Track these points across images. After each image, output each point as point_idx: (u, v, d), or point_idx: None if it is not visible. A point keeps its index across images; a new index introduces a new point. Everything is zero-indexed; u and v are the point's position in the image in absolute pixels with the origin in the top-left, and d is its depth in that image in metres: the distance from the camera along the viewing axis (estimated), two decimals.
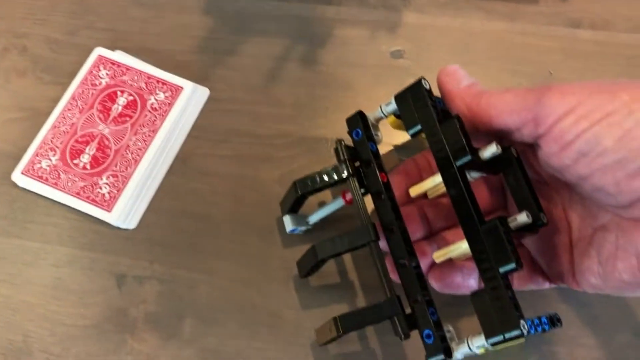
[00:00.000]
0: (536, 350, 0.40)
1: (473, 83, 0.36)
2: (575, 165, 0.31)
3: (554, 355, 0.39)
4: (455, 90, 0.35)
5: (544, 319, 0.36)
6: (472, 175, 0.39)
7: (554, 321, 0.38)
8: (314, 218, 0.41)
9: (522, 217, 0.33)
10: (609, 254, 0.32)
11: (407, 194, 0.38)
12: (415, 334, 0.34)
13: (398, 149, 0.45)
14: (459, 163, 0.34)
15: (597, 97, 0.30)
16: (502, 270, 0.32)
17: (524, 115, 0.32)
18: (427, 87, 0.36)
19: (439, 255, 0.36)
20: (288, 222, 0.40)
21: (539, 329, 0.36)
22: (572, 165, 0.31)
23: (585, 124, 0.30)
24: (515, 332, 0.31)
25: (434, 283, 0.37)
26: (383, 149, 0.45)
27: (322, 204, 0.41)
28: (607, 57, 0.48)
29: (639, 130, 0.28)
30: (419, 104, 0.36)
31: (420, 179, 0.38)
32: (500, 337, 0.32)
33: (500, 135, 0.35)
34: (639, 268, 0.30)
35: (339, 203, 0.39)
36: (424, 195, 0.39)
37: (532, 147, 0.34)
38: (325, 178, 0.38)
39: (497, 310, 0.32)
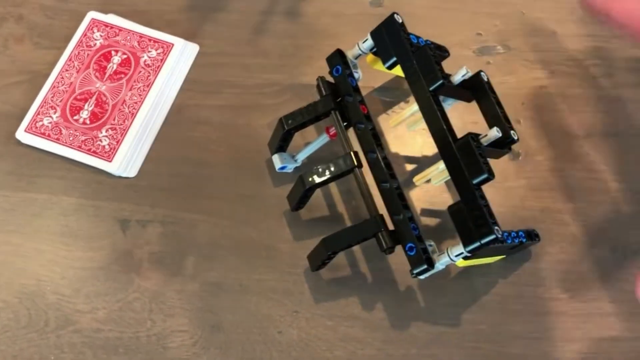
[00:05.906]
0: (519, 267, 0.42)
1: None
2: None
3: (538, 272, 0.42)
4: None
5: (521, 233, 0.39)
6: (448, 103, 0.41)
7: (532, 236, 0.40)
8: (301, 155, 0.43)
9: (493, 132, 0.35)
10: None
11: None
12: (400, 253, 0.37)
13: (378, 90, 0.47)
14: (432, 87, 0.36)
15: None
16: (475, 181, 0.34)
17: None
18: (400, 20, 0.38)
19: (418, 179, 0.39)
20: (277, 160, 0.43)
21: (516, 240, 0.38)
22: None
23: None
24: (490, 237, 0.34)
25: None
26: (364, 91, 0.47)
27: (308, 144, 0.44)
28: None
29: None
30: (393, 37, 0.38)
31: None
32: (477, 244, 0.34)
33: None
34: None
35: (323, 139, 0.42)
36: None
37: None
38: (309, 112, 0.40)
39: (473, 219, 0.34)
